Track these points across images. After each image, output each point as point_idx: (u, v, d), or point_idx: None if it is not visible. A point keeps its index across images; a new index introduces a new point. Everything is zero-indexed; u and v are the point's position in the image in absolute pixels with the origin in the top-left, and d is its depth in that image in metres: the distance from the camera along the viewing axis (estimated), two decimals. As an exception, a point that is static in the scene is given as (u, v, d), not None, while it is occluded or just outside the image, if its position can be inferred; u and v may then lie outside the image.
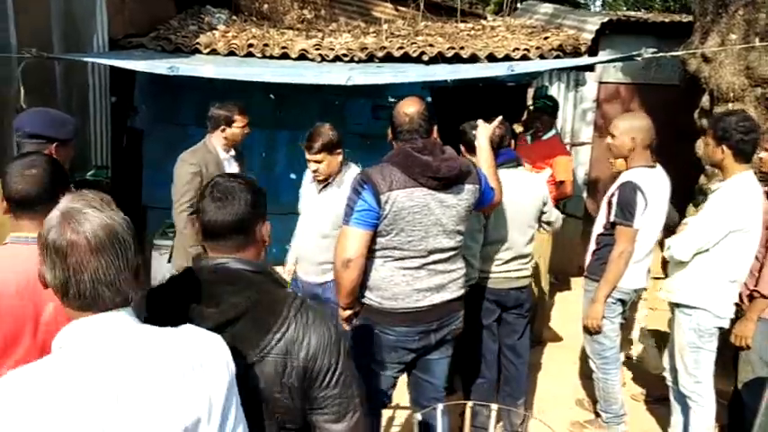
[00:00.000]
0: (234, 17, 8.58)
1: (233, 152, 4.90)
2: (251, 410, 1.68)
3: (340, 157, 4.03)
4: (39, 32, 5.31)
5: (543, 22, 8.50)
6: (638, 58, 4.34)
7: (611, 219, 3.88)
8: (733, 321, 3.78)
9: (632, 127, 3.83)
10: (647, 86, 7.11)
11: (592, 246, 4.07)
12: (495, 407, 2.85)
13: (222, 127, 4.75)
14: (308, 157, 3.98)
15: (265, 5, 9.10)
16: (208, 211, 1.82)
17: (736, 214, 3.52)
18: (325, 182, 4.04)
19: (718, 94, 5.04)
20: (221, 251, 1.84)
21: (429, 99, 7.16)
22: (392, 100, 7.19)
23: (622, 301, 3.97)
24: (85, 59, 5.30)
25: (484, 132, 3.49)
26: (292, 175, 7.16)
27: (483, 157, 3.38)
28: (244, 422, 1.61)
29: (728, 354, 3.94)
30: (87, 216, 1.43)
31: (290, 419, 1.81)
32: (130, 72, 6.89)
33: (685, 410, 3.90)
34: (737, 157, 3.54)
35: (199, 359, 1.49)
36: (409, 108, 3.06)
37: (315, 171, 4.00)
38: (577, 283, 7.10)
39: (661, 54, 4.27)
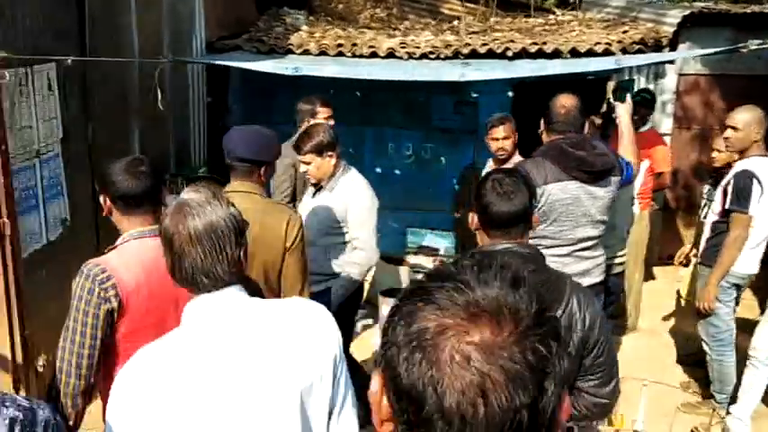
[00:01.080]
0: (311, 17, 8.85)
1: None
2: None
3: (332, 160, 3.71)
4: (151, 37, 5.63)
5: (615, 15, 8.58)
6: (744, 50, 4.45)
7: (727, 206, 4.03)
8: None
9: (753, 119, 3.98)
10: (727, 77, 7.17)
11: (706, 233, 4.22)
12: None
13: (308, 119, 4.94)
14: (298, 157, 3.80)
15: (340, 5, 9.35)
16: (495, 203, 2.09)
17: None
18: (318, 185, 3.82)
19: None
20: (506, 238, 2.11)
21: (510, 94, 7.34)
22: (475, 95, 7.39)
23: (737, 286, 4.13)
24: (218, 63, 5.60)
25: (625, 109, 3.68)
26: (378, 170, 7.39)
27: (625, 133, 3.63)
28: (352, 388, 1.79)
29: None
30: (195, 210, 1.64)
31: None
32: (225, 73, 7.22)
33: None
34: None
35: (308, 328, 1.69)
36: (567, 102, 3.25)
37: (305, 173, 3.83)
38: (659, 272, 7.21)
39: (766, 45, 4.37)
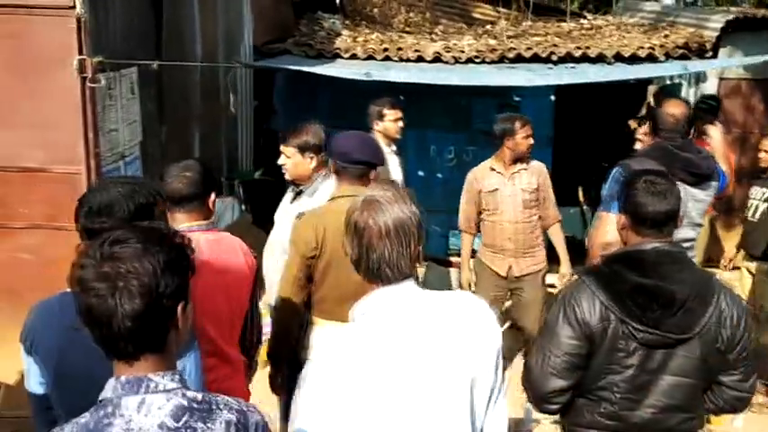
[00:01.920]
0: (346, 21, 8.93)
1: (394, 147, 5.16)
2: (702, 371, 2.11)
3: (312, 163, 3.48)
4: (209, 43, 5.70)
5: (650, 20, 8.66)
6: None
7: None
8: None
9: None
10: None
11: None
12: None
13: (376, 121, 5.02)
14: (281, 147, 3.62)
15: (375, 9, 9.43)
16: (650, 203, 2.16)
17: None
18: (299, 191, 3.62)
19: None
20: (657, 237, 2.18)
21: (553, 98, 7.41)
22: (517, 99, 7.46)
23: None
24: (293, 68, 5.74)
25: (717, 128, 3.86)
26: (420, 173, 7.47)
27: (717, 147, 3.83)
28: (505, 382, 1.88)
29: None
30: (384, 207, 1.74)
31: None
32: (270, 77, 7.31)
33: None
34: None
35: (475, 321, 1.79)
36: (675, 110, 3.31)
37: (282, 165, 3.63)
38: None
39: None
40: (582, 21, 9.39)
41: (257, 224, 5.73)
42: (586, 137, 8.22)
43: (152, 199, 1.95)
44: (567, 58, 6.89)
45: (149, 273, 1.29)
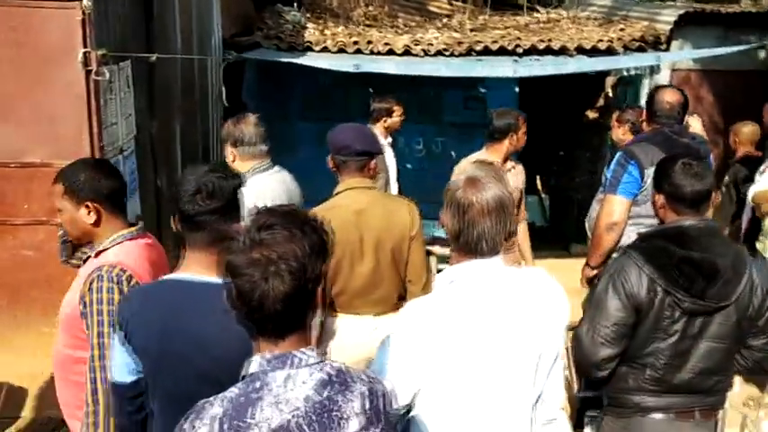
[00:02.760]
0: (307, 15, 8.94)
1: (390, 139, 5.32)
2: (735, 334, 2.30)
3: (229, 157, 3.36)
4: (185, 36, 5.66)
5: (602, 13, 8.99)
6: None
7: None
8: None
9: None
10: (716, 72, 7.65)
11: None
12: None
13: (384, 118, 5.17)
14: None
15: (334, 2, 9.47)
16: (689, 184, 2.34)
17: None
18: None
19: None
20: (695, 215, 2.38)
21: (517, 90, 7.65)
22: (483, 91, 7.68)
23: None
24: (285, 60, 5.77)
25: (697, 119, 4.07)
26: (390, 164, 7.56)
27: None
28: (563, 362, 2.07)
29: None
30: (486, 186, 1.88)
31: None
32: (239, 71, 7.27)
33: None
34: None
35: (550, 296, 1.95)
36: (671, 97, 3.51)
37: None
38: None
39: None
40: (536, 14, 9.65)
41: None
42: (546, 127, 8.49)
43: (239, 184, 2.01)
44: (532, 51, 7.12)
45: (298, 257, 1.35)
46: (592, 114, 8.23)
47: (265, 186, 3.23)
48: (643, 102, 7.16)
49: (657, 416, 2.38)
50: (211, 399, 1.40)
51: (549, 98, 8.07)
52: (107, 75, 3.60)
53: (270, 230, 1.37)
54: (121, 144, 4.01)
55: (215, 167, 2.04)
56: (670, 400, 2.37)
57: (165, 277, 2.02)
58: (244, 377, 1.40)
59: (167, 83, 5.01)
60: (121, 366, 1.93)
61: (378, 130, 5.22)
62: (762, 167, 4.57)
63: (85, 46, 3.49)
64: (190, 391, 1.85)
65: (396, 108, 5.28)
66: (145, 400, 1.94)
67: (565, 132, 8.58)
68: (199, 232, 1.93)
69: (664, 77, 7.84)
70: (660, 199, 2.44)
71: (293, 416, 1.34)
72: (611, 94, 7.81)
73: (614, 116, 5.15)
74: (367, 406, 1.40)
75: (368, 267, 2.88)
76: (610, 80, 7.88)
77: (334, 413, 1.36)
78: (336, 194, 2.98)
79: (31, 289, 3.84)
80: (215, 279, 1.94)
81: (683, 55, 6.38)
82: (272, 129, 7.71)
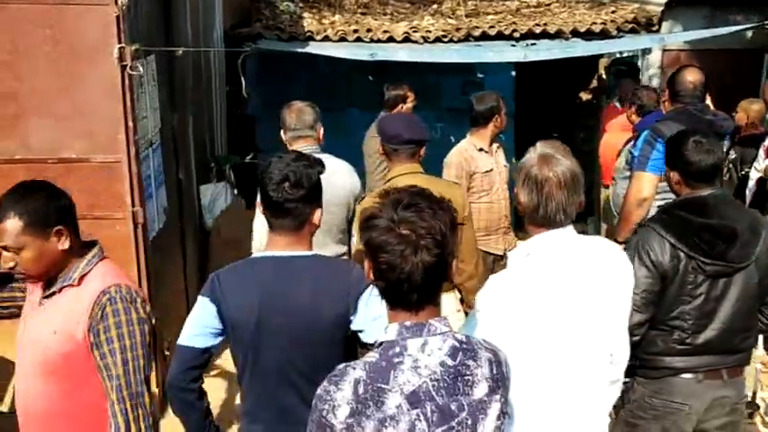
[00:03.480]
0: (300, 4, 8.97)
1: None
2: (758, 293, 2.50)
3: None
4: (195, 28, 5.69)
5: (590, -4, 9.14)
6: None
7: None
8: None
9: None
10: (706, 52, 7.85)
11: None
12: None
13: (400, 104, 5.27)
14: None
15: (325, -8, 9.49)
16: (702, 159, 2.51)
17: None
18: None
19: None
20: (710, 187, 2.54)
21: (513, 74, 7.77)
22: (481, 76, 7.79)
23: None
24: (301, 51, 6.02)
25: None
26: (391, 151, 7.66)
27: None
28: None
29: None
30: (559, 161, 2.04)
31: None
32: (241, 61, 7.29)
33: None
34: None
35: (616, 262, 2.14)
36: (694, 77, 3.66)
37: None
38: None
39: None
40: (524, -1, 9.75)
41: (249, 209, 5.80)
42: (542, 110, 8.64)
43: (321, 170, 2.12)
44: (529, 35, 7.24)
45: (440, 231, 1.48)
46: (585, 96, 8.40)
47: None
48: (645, 82, 7.37)
49: (687, 376, 2.55)
50: (352, 363, 1.52)
51: (544, 81, 8.21)
52: (141, 69, 3.65)
53: (414, 209, 1.48)
54: (150, 137, 4.07)
55: (299, 156, 2.15)
56: (698, 360, 2.53)
57: (255, 255, 2.13)
58: (381, 344, 1.51)
59: (183, 76, 5.06)
60: (198, 332, 2.03)
61: None
62: (766, 142, 4.76)
63: (120, 42, 3.53)
64: (282, 360, 1.98)
65: (409, 94, 5.39)
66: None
67: (559, 114, 8.74)
68: (285, 218, 2.04)
69: (655, 58, 8.05)
70: (675, 176, 2.62)
71: (429, 379, 1.45)
72: (604, 76, 7.97)
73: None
74: (494, 371, 1.53)
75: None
76: (603, 62, 8.04)
77: (467, 377, 1.48)
78: (390, 180, 3.08)
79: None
80: (302, 252, 2.07)
81: (687, 36, 6.56)
82: (273, 118, 7.79)
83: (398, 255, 1.45)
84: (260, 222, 3.34)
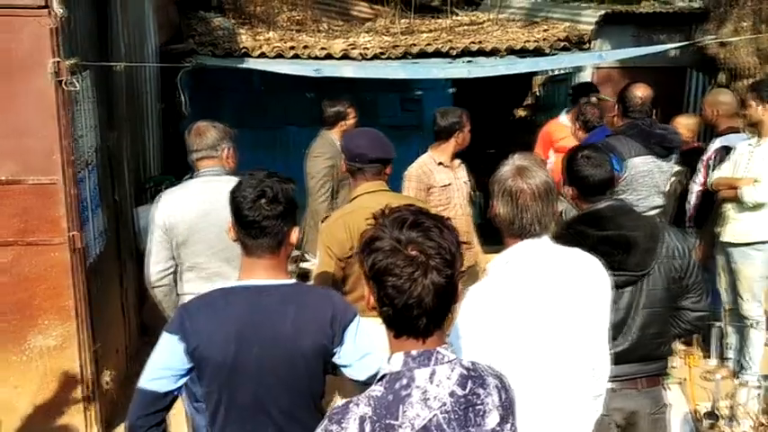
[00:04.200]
0: (232, 20, 8.80)
1: None
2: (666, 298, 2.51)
3: None
4: (129, 44, 5.47)
5: (521, 15, 9.34)
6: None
7: None
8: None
9: None
10: (635, 69, 8.11)
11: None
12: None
13: (341, 122, 5.18)
14: None
15: (258, 8, 9.36)
16: (592, 174, 2.56)
17: None
18: None
19: (737, 71, 6.09)
20: (597, 201, 2.57)
21: (451, 91, 7.84)
22: (419, 93, 7.82)
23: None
24: (242, 66, 5.63)
25: None
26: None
27: None
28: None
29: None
30: (534, 173, 2.04)
31: None
32: (175, 78, 7.08)
33: (742, 333, 4.76)
34: None
35: (592, 273, 2.11)
36: (643, 92, 3.73)
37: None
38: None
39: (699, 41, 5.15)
40: (456, 17, 9.90)
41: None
42: (479, 126, 8.73)
43: (294, 187, 2.00)
44: (466, 53, 7.31)
45: (449, 251, 1.39)
46: (521, 113, 8.54)
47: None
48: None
49: None
50: (355, 398, 1.40)
51: (480, 98, 8.31)
52: (77, 85, 3.45)
53: (420, 228, 1.39)
54: (87, 157, 3.84)
55: (271, 172, 2.02)
56: (616, 370, 2.51)
57: (232, 284, 1.98)
58: (383, 376, 1.41)
59: (119, 93, 4.84)
60: (161, 375, 1.87)
61: (335, 135, 5.23)
62: (704, 156, 4.90)
63: (56, 55, 3.32)
64: (261, 395, 1.85)
65: (350, 111, 5.29)
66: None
67: (496, 130, 8.86)
68: (263, 237, 1.91)
69: (587, 75, 8.24)
70: (570, 191, 2.66)
71: (439, 412, 1.37)
72: (538, 93, 8.13)
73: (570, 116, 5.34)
74: (503, 398, 1.45)
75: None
76: (537, 79, 8.20)
77: (478, 407, 1.40)
78: (354, 198, 2.98)
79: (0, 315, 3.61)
80: (282, 280, 1.94)
81: (625, 53, 6.76)
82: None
83: (407, 278, 1.35)
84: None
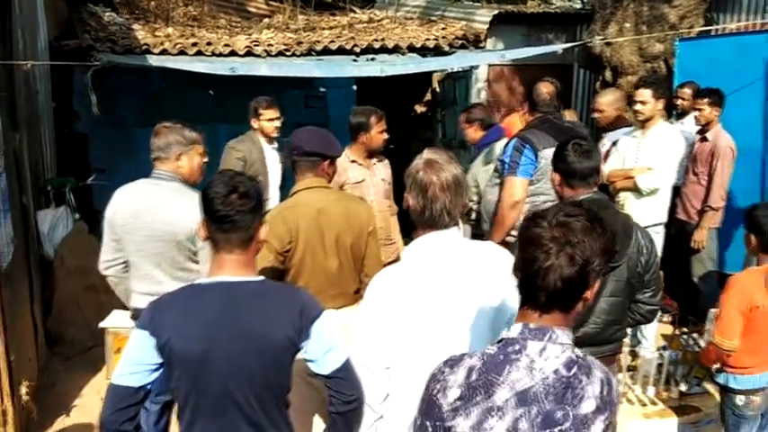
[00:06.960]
0: (125, 16, 8.51)
1: (276, 145, 5.32)
2: (627, 289, 2.71)
3: None
4: (26, 40, 5.22)
5: (417, 13, 9.58)
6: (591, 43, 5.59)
7: None
8: (690, 233, 5.19)
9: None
10: (525, 66, 8.53)
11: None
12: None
13: (253, 119, 5.19)
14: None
15: (152, 3, 9.08)
16: (579, 161, 2.73)
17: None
18: None
19: (621, 69, 6.56)
20: (586, 189, 2.74)
21: (355, 88, 7.94)
22: (323, 90, 7.86)
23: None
24: (157, 64, 5.58)
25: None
26: (236, 167, 7.49)
27: None
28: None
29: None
30: (443, 166, 2.19)
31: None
32: (68, 77, 6.78)
33: None
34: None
35: (500, 263, 2.22)
36: (548, 88, 3.96)
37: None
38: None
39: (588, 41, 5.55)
40: (354, 14, 10.00)
41: (92, 232, 5.39)
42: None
43: (259, 185, 2.05)
44: (369, 50, 7.44)
45: (590, 248, 1.50)
46: (420, 109, 8.78)
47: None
48: (474, 95, 7.86)
49: None
50: (470, 352, 1.56)
51: (382, 95, 8.46)
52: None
53: (575, 218, 1.52)
54: (-5, 161, 3.66)
55: (238, 171, 2.07)
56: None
57: (202, 281, 2.00)
58: (501, 340, 1.55)
59: (19, 92, 4.62)
60: (133, 370, 1.89)
61: (256, 132, 5.24)
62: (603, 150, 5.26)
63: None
64: (232, 389, 1.90)
65: (263, 111, 5.25)
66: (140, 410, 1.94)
67: (398, 126, 9.05)
68: (235, 232, 1.95)
69: (482, 72, 8.60)
70: (557, 177, 2.84)
71: (540, 383, 1.48)
72: (438, 90, 8.39)
73: (461, 118, 5.47)
74: (604, 392, 1.54)
75: (330, 264, 2.99)
76: (436, 76, 8.46)
77: (577, 390, 1.50)
78: (294, 193, 3.03)
79: None
80: (251, 277, 1.98)
81: (524, 52, 7.08)
82: (107, 136, 7.29)
83: (543, 250, 1.48)
84: None
